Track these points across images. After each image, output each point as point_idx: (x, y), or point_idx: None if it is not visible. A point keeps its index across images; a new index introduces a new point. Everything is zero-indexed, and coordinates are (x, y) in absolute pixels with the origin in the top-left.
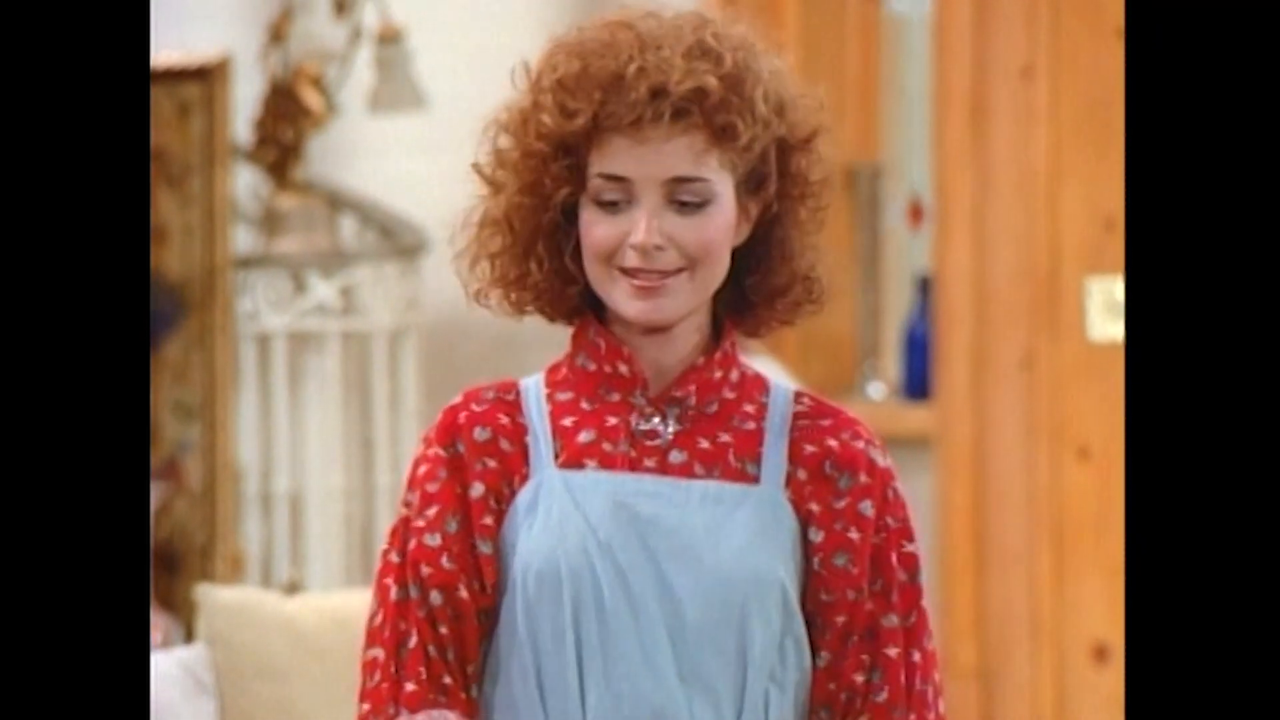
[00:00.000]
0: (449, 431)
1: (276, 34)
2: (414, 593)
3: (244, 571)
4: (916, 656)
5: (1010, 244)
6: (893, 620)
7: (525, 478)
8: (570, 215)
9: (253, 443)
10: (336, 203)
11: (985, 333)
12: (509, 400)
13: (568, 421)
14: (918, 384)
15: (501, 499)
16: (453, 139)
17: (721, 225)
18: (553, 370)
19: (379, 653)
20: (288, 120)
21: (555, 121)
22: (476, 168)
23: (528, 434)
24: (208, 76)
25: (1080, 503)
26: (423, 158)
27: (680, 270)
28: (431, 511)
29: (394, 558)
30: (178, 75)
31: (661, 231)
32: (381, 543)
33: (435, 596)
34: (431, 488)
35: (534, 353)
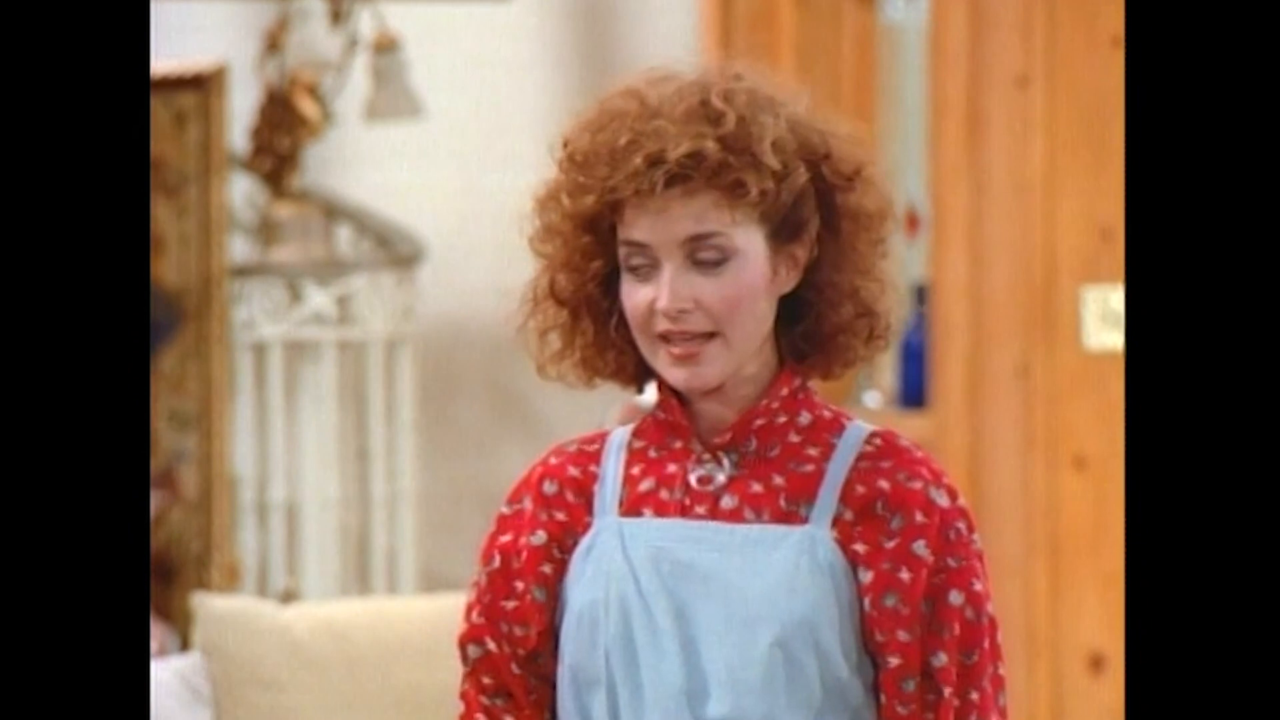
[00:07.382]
0: (519, 488)
1: (273, 43)
2: (460, 647)
3: (240, 581)
4: (974, 695)
5: (1006, 253)
6: (942, 659)
7: (588, 528)
8: (611, 287)
9: (248, 452)
10: (332, 212)
11: (981, 342)
12: (590, 450)
13: (636, 470)
14: (914, 393)
15: (564, 549)
16: (449, 148)
17: (747, 280)
18: (644, 418)
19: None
20: (284, 129)
21: (571, 200)
22: (530, 243)
23: (597, 482)
24: (204, 85)
25: (1076, 512)
26: (419, 167)
27: (712, 335)
28: (478, 568)
29: None
30: (174, 84)
31: (686, 293)
32: (377, 551)
33: (472, 650)
34: (485, 544)
35: (530, 364)
